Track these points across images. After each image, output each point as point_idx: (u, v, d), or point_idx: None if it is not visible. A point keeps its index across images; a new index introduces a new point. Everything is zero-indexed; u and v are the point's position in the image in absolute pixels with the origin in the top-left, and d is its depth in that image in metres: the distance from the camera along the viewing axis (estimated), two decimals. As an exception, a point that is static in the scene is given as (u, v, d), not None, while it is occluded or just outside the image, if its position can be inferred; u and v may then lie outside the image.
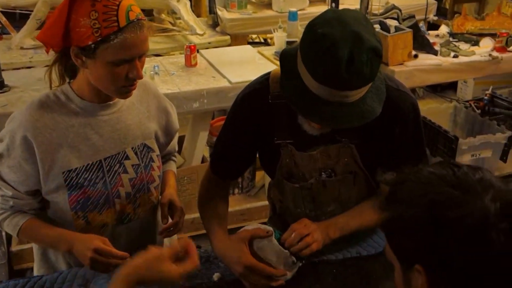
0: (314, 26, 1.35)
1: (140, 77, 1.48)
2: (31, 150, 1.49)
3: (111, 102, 1.58)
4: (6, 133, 1.51)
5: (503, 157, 3.62)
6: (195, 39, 3.89)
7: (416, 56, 3.22)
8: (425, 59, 3.25)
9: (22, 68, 3.43)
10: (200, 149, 3.28)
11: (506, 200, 0.87)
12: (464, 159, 3.48)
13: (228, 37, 4.09)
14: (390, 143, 1.59)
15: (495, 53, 3.34)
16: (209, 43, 4.00)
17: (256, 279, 1.48)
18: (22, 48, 3.64)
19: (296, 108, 1.42)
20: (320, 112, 1.37)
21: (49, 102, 1.54)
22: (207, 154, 3.50)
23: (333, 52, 1.29)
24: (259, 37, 5.04)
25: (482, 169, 0.94)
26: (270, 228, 1.54)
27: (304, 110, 1.41)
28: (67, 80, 1.58)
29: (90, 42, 1.40)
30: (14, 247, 2.89)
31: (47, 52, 1.55)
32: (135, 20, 1.42)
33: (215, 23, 4.26)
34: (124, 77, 1.46)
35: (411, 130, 1.59)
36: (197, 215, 3.15)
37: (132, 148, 1.62)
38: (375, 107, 1.41)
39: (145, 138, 1.65)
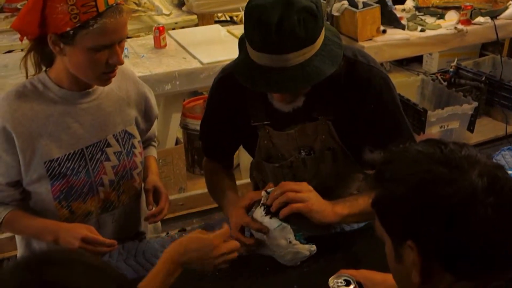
0: (251, 1, 1.40)
1: (121, 63, 1.47)
2: (11, 141, 1.46)
3: (90, 90, 1.56)
4: None
5: (470, 128, 3.72)
6: (161, 20, 3.84)
7: (384, 31, 3.25)
8: (393, 34, 3.28)
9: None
10: (174, 131, 3.26)
11: (492, 175, 0.90)
12: (433, 130, 3.56)
13: (195, 16, 4.04)
14: (367, 119, 1.61)
15: (460, 26, 3.40)
16: (176, 23, 3.95)
17: (241, 239, 1.50)
18: (-19, 33, 3.54)
19: (243, 80, 1.46)
20: (264, 79, 1.40)
21: (27, 92, 1.50)
22: (180, 136, 3.49)
23: (264, 19, 1.34)
24: (225, 15, 5.00)
25: (467, 146, 0.97)
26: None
27: (249, 81, 1.44)
28: (44, 68, 1.54)
29: (68, 29, 1.37)
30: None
31: (21, 40, 1.51)
32: (114, 4, 1.40)
33: (180, 3, 4.20)
34: (104, 64, 1.44)
35: (386, 106, 1.60)
36: (174, 197, 3.21)
37: (114, 135, 1.61)
38: (325, 68, 1.41)
39: (126, 124, 1.64)
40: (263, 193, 1.53)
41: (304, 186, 1.52)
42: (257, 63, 1.40)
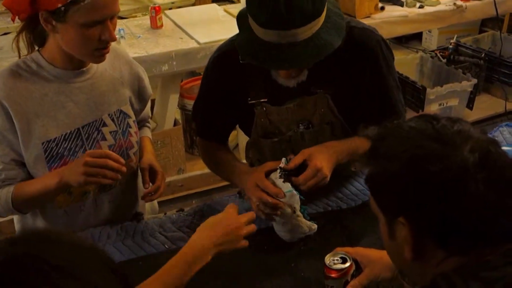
0: None
1: (114, 39, 1.46)
2: (10, 119, 1.46)
3: (84, 69, 1.55)
4: None
5: (469, 105, 3.71)
6: (158, 0, 3.81)
7: (382, 8, 3.23)
8: (392, 11, 3.27)
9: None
10: (172, 112, 3.26)
11: (485, 150, 0.89)
12: (432, 108, 3.55)
13: (192, -5, 4.02)
14: (365, 86, 1.61)
15: (459, 2, 3.38)
16: (173, 2, 3.93)
17: (260, 196, 1.49)
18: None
19: (252, 59, 1.45)
20: (274, 56, 1.39)
21: (20, 71, 1.49)
22: (179, 117, 3.48)
23: None
24: (222, -6, 4.96)
25: (460, 121, 0.96)
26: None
27: (257, 58, 1.43)
28: (36, 48, 1.53)
29: (59, 5, 1.36)
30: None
31: (13, 20, 1.50)
32: None
33: (177, -18, 4.16)
34: (97, 40, 1.43)
35: (382, 68, 1.61)
36: (173, 178, 3.22)
37: (109, 114, 1.60)
38: (333, 40, 1.42)
39: (120, 104, 1.63)
40: (283, 159, 1.53)
41: (320, 160, 1.51)
42: (263, 40, 1.39)
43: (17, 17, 1.46)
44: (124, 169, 1.45)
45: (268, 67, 1.49)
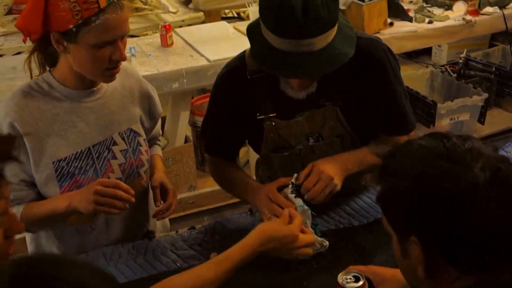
0: None
1: (124, 59, 1.47)
2: (21, 140, 1.47)
3: (94, 89, 1.57)
4: None
5: (481, 119, 3.68)
6: (168, 18, 3.83)
7: (391, 24, 3.23)
8: (401, 27, 3.27)
9: (-8, 56, 3.36)
10: (182, 129, 3.26)
11: (495, 168, 0.89)
12: (443, 123, 3.53)
13: (201, 13, 4.03)
14: (373, 96, 1.62)
15: (468, 17, 3.38)
16: (183, 21, 3.94)
17: (272, 208, 1.51)
18: (-9, 36, 3.55)
19: (268, 68, 1.47)
20: (291, 65, 1.41)
21: (32, 92, 1.52)
22: (189, 134, 3.49)
23: (287, 5, 1.34)
24: (232, 12, 4.99)
25: (471, 138, 0.96)
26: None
27: (275, 68, 1.45)
28: (48, 68, 1.55)
29: (71, 26, 1.38)
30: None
31: (24, 41, 1.52)
32: (115, 0, 1.40)
33: (187, 0, 4.20)
34: (107, 60, 1.45)
35: (390, 77, 1.62)
36: (184, 195, 3.22)
37: (119, 133, 1.61)
38: (346, 50, 1.44)
39: (131, 123, 1.64)
40: (294, 175, 1.54)
41: (327, 171, 1.52)
42: (279, 49, 1.40)
43: (28, 37, 1.49)
44: (133, 200, 1.46)
45: (284, 76, 1.51)
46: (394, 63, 1.63)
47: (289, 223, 1.35)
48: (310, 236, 1.38)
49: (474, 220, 0.87)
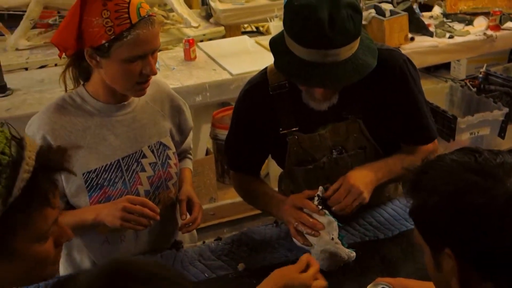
0: (291, 2, 1.45)
1: (154, 73, 1.51)
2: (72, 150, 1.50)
3: (125, 103, 1.61)
4: None
5: (501, 134, 3.67)
6: (190, 32, 3.89)
7: (412, 39, 3.25)
8: (422, 41, 3.29)
9: (19, 69, 3.42)
10: (204, 142, 3.30)
11: None
12: (463, 137, 3.52)
13: (222, 28, 4.09)
14: (395, 106, 1.64)
15: (489, 32, 3.39)
16: (204, 35, 4.00)
17: (299, 216, 1.53)
18: (17, 49, 3.62)
19: (295, 79, 1.51)
20: (318, 75, 1.44)
21: (66, 105, 1.56)
22: (210, 146, 3.52)
23: (314, 17, 1.38)
24: (251, 26, 5.04)
25: (502, 153, 0.97)
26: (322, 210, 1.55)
27: (302, 79, 1.48)
28: (81, 82, 1.59)
29: (103, 41, 1.42)
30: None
31: (60, 56, 1.56)
32: (146, 16, 1.45)
33: (208, 15, 4.25)
34: (138, 74, 1.49)
35: (411, 87, 1.64)
36: (205, 207, 3.24)
37: (149, 146, 1.64)
38: (369, 61, 1.48)
39: (161, 136, 1.68)
40: (320, 188, 1.56)
41: (356, 186, 1.54)
42: (305, 60, 1.44)
43: (64, 53, 1.53)
44: (158, 218, 1.51)
45: (311, 85, 1.53)
46: (414, 73, 1.66)
47: (304, 271, 1.32)
48: (322, 282, 1.35)
49: (507, 234, 0.88)
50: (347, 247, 1.51)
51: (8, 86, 2.79)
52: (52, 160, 0.96)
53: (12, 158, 0.91)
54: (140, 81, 1.51)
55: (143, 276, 0.58)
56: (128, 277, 0.58)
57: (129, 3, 1.43)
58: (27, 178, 0.91)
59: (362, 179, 1.55)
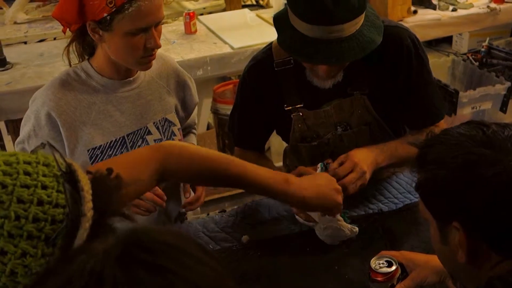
0: None
1: (159, 46, 1.49)
2: (57, 128, 1.50)
3: (131, 78, 1.60)
4: (31, 114, 1.52)
5: (503, 108, 3.66)
6: (189, 5, 3.84)
7: (415, 12, 3.22)
8: (424, 14, 3.26)
9: (18, 43, 3.39)
10: (205, 116, 3.30)
11: None
12: (465, 112, 3.52)
13: (222, 1, 4.03)
14: (401, 83, 1.63)
15: (493, 5, 3.35)
16: (204, 8, 3.95)
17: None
18: (15, 23, 3.58)
19: (298, 56, 1.49)
20: (322, 52, 1.43)
21: (70, 80, 1.55)
22: (211, 121, 3.52)
23: None
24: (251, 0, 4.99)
25: (509, 126, 0.97)
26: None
27: (305, 56, 1.47)
28: (86, 57, 1.58)
29: (105, 14, 1.41)
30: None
31: (64, 31, 1.55)
32: None
33: (208, -12, 4.20)
34: (142, 48, 1.47)
35: (418, 64, 1.63)
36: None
37: (154, 123, 1.64)
38: (375, 37, 1.47)
39: (166, 112, 1.67)
40: (319, 164, 1.56)
41: (357, 164, 1.53)
42: (309, 36, 1.43)
43: (68, 28, 1.51)
44: (164, 205, 1.56)
45: (314, 63, 1.52)
46: (421, 50, 1.65)
47: None
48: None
49: None
50: (350, 223, 1.52)
51: (7, 60, 2.77)
52: (110, 203, 0.79)
53: (69, 210, 0.73)
54: (145, 55, 1.50)
55: (159, 248, 0.58)
56: (147, 247, 0.57)
57: None
58: (85, 238, 0.74)
59: (365, 159, 1.55)
